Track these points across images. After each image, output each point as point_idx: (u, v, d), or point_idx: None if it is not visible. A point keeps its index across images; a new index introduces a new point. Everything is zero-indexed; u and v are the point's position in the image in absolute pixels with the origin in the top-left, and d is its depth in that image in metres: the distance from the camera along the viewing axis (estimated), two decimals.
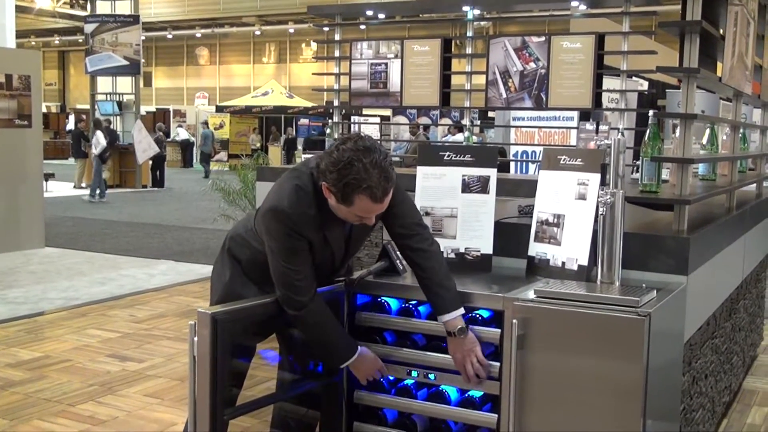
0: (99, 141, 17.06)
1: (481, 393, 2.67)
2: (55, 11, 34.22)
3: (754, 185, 5.08)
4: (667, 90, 10.08)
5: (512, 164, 9.20)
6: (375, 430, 2.84)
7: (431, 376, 2.73)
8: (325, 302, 2.70)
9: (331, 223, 2.66)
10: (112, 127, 20.24)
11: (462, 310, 2.62)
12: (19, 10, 22.67)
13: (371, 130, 17.44)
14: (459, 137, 15.31)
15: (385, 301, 2.84)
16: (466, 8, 6.66)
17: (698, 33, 3.03)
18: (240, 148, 25.77)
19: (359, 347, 2.73)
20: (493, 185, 3.01)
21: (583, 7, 6.57)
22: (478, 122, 13.20)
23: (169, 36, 38.68)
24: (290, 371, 3.04)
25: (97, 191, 16.65)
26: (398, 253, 2.84)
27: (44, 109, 28.18)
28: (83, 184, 18.68)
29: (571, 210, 2.86)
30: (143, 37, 22.32)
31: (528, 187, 4.04)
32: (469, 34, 6.51)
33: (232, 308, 2.51)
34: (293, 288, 2.61)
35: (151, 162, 20.06)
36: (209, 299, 3.03)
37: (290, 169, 2.75)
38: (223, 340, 2.35)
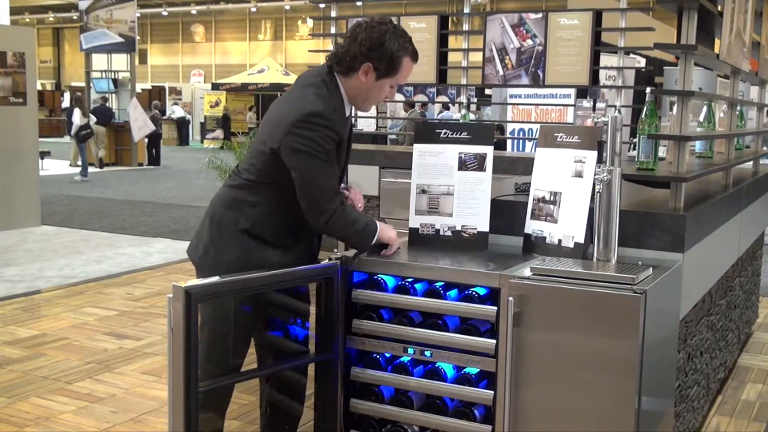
0: (74, 120, 16.89)
1: (478, 370, 2.68)
2: None
3: (751, 163, 5.07)
4: (664, 67, 10.06)
5: (509, 142, 9.19)
6: (371, 406, 2.85)
7: (427, 353, 2.74)
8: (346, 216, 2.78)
9: (345, 124, 2.78)
10: (108, 104, 20.15)
11: None
12: None
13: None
14: (446, 114, 15.28)
15: (382, 278, 2.84)
16: None
17: (696, 9, 3.01)
18: (236, 126, 25.73)
19: (375, 221, 2.85)
20: (489, 163, 3.00)
21: None
22: (475, 100, 13.16)
23: (164, 13, 38.45)
24: (276, 351, 3.02)
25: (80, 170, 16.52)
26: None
27: (39, 87, 28.06)
28: (79, 163, 18.67)
29: (567, 187, 2.86)
30: (138, 14, 22.18)
31: (525, 165, 4.04)
32: (466, 10, 6.47)
33: (207, 283, 2.51)
34: (329, 193, 2.70)
35: (146, 140, 19.99)
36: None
37: (294, 87, 2.83)
38: (197, 313, 2.37)
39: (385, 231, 2.84)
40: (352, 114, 2.96)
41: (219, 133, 28.34)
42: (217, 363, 2.79)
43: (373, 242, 2.81)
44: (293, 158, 2.67)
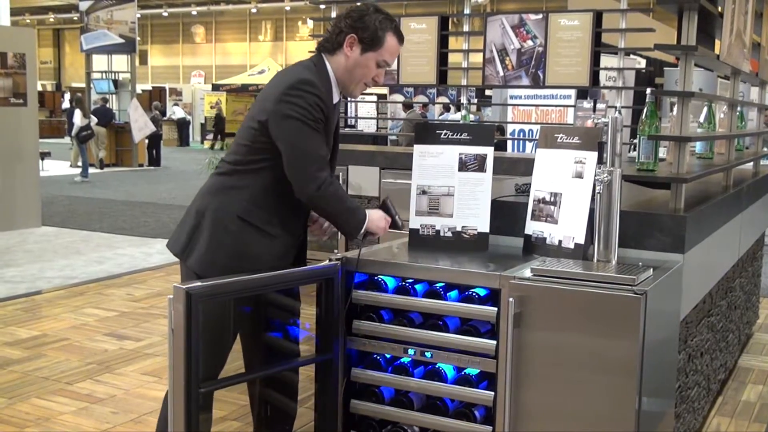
0: (75, 121, 16.91)
1: (478, 371, 2.68)
2: None
3: (751, 164, 5.07)
4: (664, 68, 10.07)
5: (509, 142, 9.19)
6: (372, 407, 2.85)
7: (428, 354, 2.74)
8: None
9: (333, 109, 2.80)
10: (108, 105, 20.15)
11: None
12: None
13: (368, 108, 17.39)
14: (446, 116, 15.26)
15: (382, 279, 2.84)
16: None
17: (696, 10, 3.01)
18: (236, 127, 25.72)
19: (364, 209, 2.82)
20: (490, 164, 3.00)
21: None
22: (475, 100, 13.15)
23: (165, 14, 38.46)
24: (269, 352, 2.99)
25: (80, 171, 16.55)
26: (396, 208, 2.87)
27: (39, 88, 28.06)
28: (79, 163, 18.69)
29: (568, 188, 2.86)
30: (138, 15, 22.18)
31: (525, 166, 4.04)
32: (467, 11, 6.48)
33: (208, 284, 2.50)
34: (320, 161, 2.66)
35: (147, 141, 19.99)
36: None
37: (286, 70, 2.85)
38: (197, 315, 2.36)
39: (375, 221, 2.82)
40: (342, 102, 2.97)
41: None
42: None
43: (362, 231, 2.78)
44: (283, 126, 2.64)
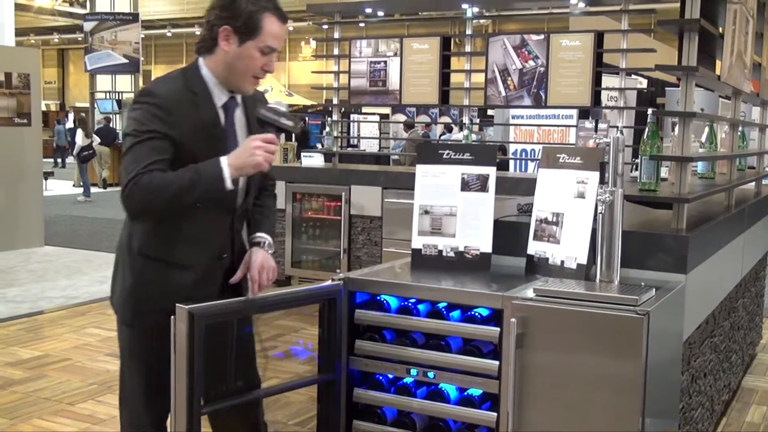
0: (76, 141, 17.03)
1: (481, 392, 2.67)
2: (55, 9, 34.23)
3: (753, 183, 5.08)
4: (666, 88, 10.11)
5: (511, 162, 9.22)
6: (374, 428, 2.84)
7: (430, 375, 2.73)
8: None
9: (212, 111, 2.50)
10: (111, 125, 20.23)
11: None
12: (19, 8, 22.63)
13: (370, 128, 17.45)
14: (447, 136, 15.27)
15: (384, 299, 2.84)
16: (465, 6, 6.67)
17: (697, 31, 3.03)
18: None
19: (217, 159, 2.41)
20: (492, 183, 3.01)
21: (582, 5, 6.58)
22: (477, 120, 13.17)
23: (169, 34, 38.66)
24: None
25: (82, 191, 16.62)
26: (276, 109, 2.54)
27: (43, 108, 28.18)
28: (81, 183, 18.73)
29: (570, 208, 2.86)
30: (142, 35, 22.31)
31: (527, 186, 4.04)
32: (469, 32, 6.52)
33: (210, 305, 2.46)
34: (133, 171, 2.32)
35: None
36: None
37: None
38: (200, 334, 2.34)
39: (238, 162, 2.39)
40: (239, 101, 2.59)
41: None
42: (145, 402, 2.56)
43: (228, 184, 2.39)
44: (126, 139, 2.44)
